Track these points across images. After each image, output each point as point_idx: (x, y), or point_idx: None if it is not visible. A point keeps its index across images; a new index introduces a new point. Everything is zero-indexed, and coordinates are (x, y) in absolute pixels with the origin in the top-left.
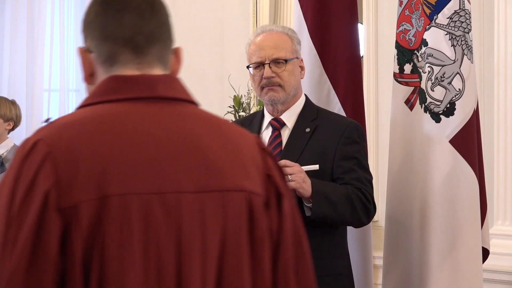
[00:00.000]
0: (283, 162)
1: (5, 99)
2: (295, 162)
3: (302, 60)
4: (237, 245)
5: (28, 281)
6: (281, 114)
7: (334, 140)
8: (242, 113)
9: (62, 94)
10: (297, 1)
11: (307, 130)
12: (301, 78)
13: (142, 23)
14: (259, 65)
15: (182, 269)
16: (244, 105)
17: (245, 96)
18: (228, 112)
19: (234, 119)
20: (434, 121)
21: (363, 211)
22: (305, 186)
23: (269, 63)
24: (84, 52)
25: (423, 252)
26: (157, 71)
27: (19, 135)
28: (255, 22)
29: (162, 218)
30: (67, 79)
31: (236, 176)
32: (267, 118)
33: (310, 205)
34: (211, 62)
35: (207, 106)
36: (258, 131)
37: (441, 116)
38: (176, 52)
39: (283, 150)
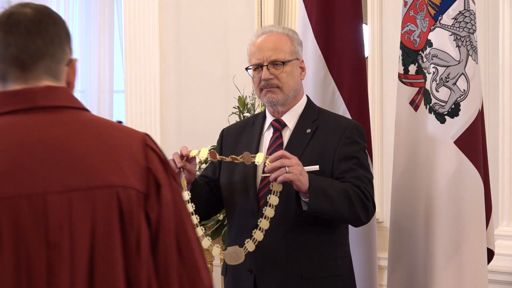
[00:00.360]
0: (281, 152)
1: None
2: None
3: (302, 61)
4: (108, 237)
5: None
6: (282, 115)
7: (334, 140)
8: (247, 114)
9: None
10: (302, 2)
11: (308, 131)
12: (302, 79)
13: (27, 42)
14: (258, 66)
15: (52, 269)
16: (248, 106)
17: (249, 97)
18: (233, 113)
19: (238, 120)
20: (439, 121)
21: (362, 208)
22: (302, 179)
23: (267, 65)
24: None
25: (428, 253)
26: (45, 83)
27: None
28: (260, 23)
29: (30, 219)
30: None
31: (105, 174)
32: (269, 119)
33: (307, 199)
34: (215, 63)
35: (212, 107)
36: (260, 132)
37: (446, 116)
38: (71, 64)
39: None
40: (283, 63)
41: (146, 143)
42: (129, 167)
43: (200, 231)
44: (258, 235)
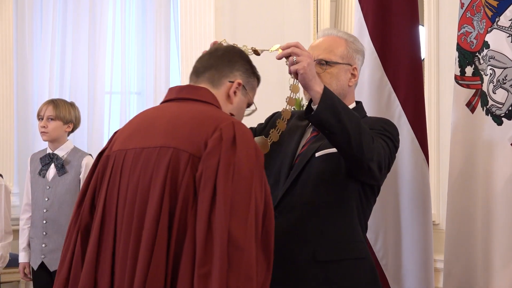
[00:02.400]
0: (295, 42)
1: (64, 101)
2: (320, 144)
3: (355, 68)
4: (157, 180)
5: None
6: None
7: None
8: None
9: (123, 97)
10: (358, 4)
11: None
12: (350, 85)
13: (207, 60)
14: None
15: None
16: (304, 107)
17: (304, 97)
18: None
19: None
20: (495, 123)
21: (368, 143)
22: (308, 72)
23: None
24: None
25: (485, 256)
26: (202, 86)
27: (80, 138)
28: (316, 25)
29: (119, 164)
30: (128, 82)
31: (169, 139)
32: None
33: (315, 107)
34: (271, 64)
35: (268, 108)
36: (306, 125)
37: (503, 118)
38: (234, 82)
39: (314, 138)
40: (327, 62)
41: (219, 126)
42: (193, 139)
43: None
44: (282, 125)
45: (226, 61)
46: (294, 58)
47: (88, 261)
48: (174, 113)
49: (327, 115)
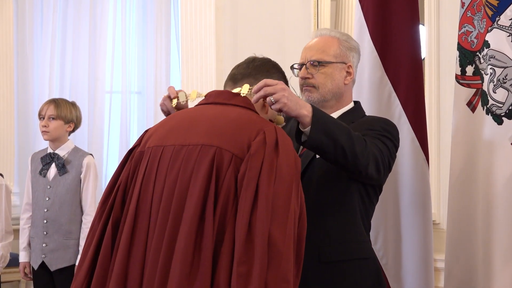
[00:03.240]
0: (263, 82)
1: (66, 101)
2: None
3: (350, 66)
4: (197, 177)
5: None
6: None
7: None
8: None
9: (124, 96)
10: (358, 3)
11: None
12: (346, 84)
13: (244, 69)
14: (301, 66)
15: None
16: None
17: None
18: None
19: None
20: (496, 123)
21: (360, 149)
22: (289, 104)
23: (305, 64)
24: None
25: (486, 255)
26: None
27: (81, 137)
28: (316, 25)
29: (156, 160)
30: (129, 81)
31: (212, 139)
32: None
33: (305, 129)
34: None
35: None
36: None
37: (503, 118)
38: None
39: None
40: (319, 63)
41: (262, 130)
42: (236, 140)
43: None
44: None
45: (264, 71)
46: (272, 98)
47: (121, 254)
48: (215, 114)
49: (321, 137)
